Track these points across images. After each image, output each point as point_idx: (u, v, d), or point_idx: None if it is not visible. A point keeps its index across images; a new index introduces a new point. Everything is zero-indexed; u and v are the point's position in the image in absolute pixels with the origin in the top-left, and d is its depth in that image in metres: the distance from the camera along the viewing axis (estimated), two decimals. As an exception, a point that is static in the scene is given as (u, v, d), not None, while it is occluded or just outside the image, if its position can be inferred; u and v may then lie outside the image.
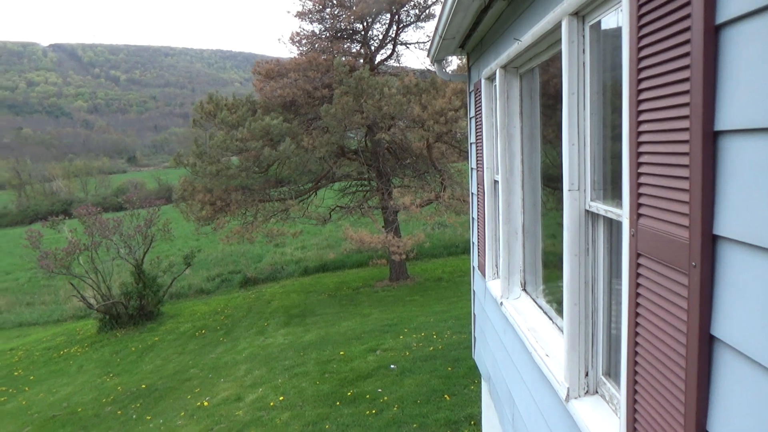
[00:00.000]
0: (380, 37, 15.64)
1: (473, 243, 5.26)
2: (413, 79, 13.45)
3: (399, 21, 15.60)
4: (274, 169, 15.22)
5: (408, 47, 15.80)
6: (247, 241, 14.33)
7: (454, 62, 14.35)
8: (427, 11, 15.50)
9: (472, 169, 5.17)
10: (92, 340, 15.34)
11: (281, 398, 8.02)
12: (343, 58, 14.34)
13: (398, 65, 15.83)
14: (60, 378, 12.60)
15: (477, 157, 4.71)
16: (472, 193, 5.22)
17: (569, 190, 2.27)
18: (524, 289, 3.71)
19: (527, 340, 3.06)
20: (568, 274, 2.33)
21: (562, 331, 2.89)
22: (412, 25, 15.70)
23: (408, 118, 13.19)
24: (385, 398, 7.41)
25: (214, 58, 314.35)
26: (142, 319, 16.20)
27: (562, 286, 3.37)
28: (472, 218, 5.27)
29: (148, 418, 8.71)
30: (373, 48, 15.76)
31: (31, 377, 12.96)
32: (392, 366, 8.54)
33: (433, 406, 6.93)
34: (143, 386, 10.49)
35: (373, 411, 7.08)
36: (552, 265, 3.57)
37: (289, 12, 14.79)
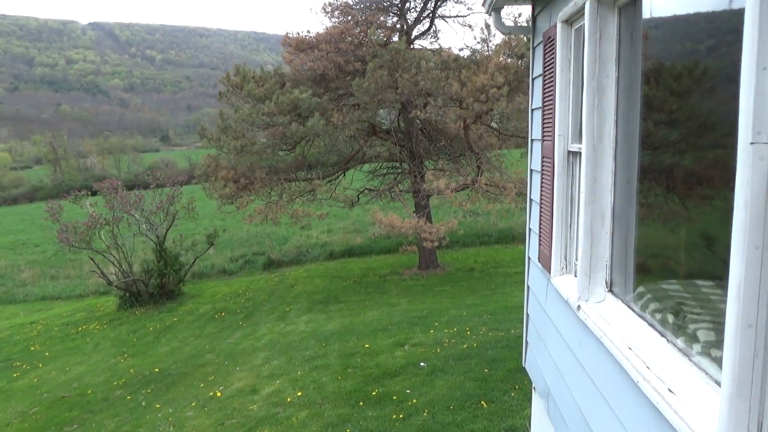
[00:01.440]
0: (418, 9, 14.68)
1: (530, 230, 4.40)
2: (452, 54, 12.50)
3: (439, -7, 14.61)
4: (301, 147, 14.49)
5: (446, 21, 14.81)
6: (271, 221, 13.65)
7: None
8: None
9: (534, 140, 4.30)
10: (111, 317, 14.96)
11: (299, 393, 7.32)
12: (379, 31, 13.45)
13: (436, 41, 14.83)
14: (75, 356, 12.20)
15: (544, 124, 3.84)
16: (533, 171, 4.34)
17: (754, 143, 1.40)
18: (610, 290, 2.85)
19: (628, 363, 2.21)
20: (739, 276, 1.48)
21: (686, 355, 2.04)
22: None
23: (445, 95, 12.27)
24: (414, 401, 6.64)
25: (247, 40, 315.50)
26: (163, 297, 15.75)
27: (675, 292, 2.49)
28: (531, 200, 4.41)
29: (158, 406, 8.12)
30: (410, 21, 14.82)
31: (47, 353, 12.60)
32: (422, 364, 7.76)
33: (468, 414, 6.13)
34: (156, 370, 9.95)
35: (400, 415, 6.32)
36: (654, 261, 2.70)
37: (322, -20, 13.93)
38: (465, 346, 8.28)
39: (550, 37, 3.60)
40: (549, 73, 3.68)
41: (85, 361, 11.67)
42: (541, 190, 3.93)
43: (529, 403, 6.24)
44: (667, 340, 2.19)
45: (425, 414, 6.26)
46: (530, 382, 6.95)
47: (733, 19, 1.80)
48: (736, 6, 1.76)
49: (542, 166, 3.89)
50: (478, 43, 13.62)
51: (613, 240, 2.82)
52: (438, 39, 14.77)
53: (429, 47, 14.70)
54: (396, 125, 15.19)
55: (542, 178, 3.91)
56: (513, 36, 11.60)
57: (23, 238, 30.83)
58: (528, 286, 4.49)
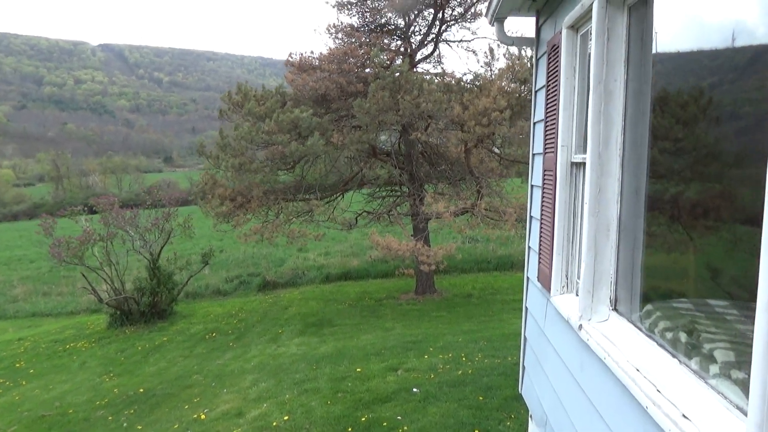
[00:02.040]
0: (422, 32, 14.71)
1: (530, 248, 4.19)
2: (455, 77, 12.47)
3: (443, 19, 14.66)
4: (300, 167, 14.37)
5: (450, 46, 14.83)
6: (267, 241, 13.44)
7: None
8: (473, 9, 14.53)
9: (535, 155, 4.13)
10: (100, 335, 14.63)
11: (286, 418, 7.01)
12: (382, 55, 13.45)
13: (439, 65, 14.84)
14: (60, 374, 11.86)
15: (546, 136, 3.67)
16: (533, 186, 4.16)
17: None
18: (615, 309, 2.64)
19: (636, 387, 2.00)
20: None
21: (701, 378, 1.82)
22: (457, 24, 14.72)
23: (447, 118, 12.18)
24: (405, 428, 6.34)
25: (254, 65, 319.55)
26: (154, 317, 15.44)
27: (687, 310, 2.29)
28: (531, 217, 4.22)
29: (139, 427, 7.80)
30: (414, 45, 14.84)
31: (32, 371, 12.25)
32: (415, 389, 7.46)
33: (461, 444, 5.83)
34: (141, 390, 9.62)
35: (391, 443, 6.03)
36: (664, 277, 2.50)
37: (327, 2, 14.00)
38: (460, 372, 7.99)
39: (554, 45, 3.45)
40: (553, 83, 3.52)
41: (69, 380, 11.33)
42: (542, 206, 3.75)
43: (526, 434, 5.95)
44: (680, 361, 1.98)
45: (416, 443, 5.97)
46: (527, 411, 6.65)
47: (736, 57, 1.77)
48: (738, 44, 1.73)
49: (543, 179, 3.71)
50: (482, 67, 13.62)
51: (619, 254, 2.62)
52: (441, 63, 14.80)
53: (432, 71, 14.70)
54: (397, 148, 15.09)
55: (543, 193, 3.72)
56: (516, 61, 11.57)
57: (19, 254, 30.56)
58: (526, 308, 4.27)
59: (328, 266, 19.62)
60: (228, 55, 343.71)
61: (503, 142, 14.16)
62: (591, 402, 2.59)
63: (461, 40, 14.56)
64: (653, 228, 2.49)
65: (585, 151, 3.11)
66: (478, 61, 14.37)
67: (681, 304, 2.29)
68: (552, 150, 3.48)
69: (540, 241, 3.75)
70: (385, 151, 14.98)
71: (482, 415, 6.49)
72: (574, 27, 3.18)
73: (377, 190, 15.67)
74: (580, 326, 2.69)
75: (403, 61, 12.13)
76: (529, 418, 4.28)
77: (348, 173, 15.27)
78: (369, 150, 13.97)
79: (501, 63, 12.53)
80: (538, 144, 3.99)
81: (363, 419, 6.71)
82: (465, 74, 13.32)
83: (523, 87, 12.22)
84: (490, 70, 12.36)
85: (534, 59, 4.24)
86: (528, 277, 4.25)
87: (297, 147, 12.12)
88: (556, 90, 3.43)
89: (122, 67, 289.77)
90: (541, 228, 3.75)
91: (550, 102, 3.59)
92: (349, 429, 6.52)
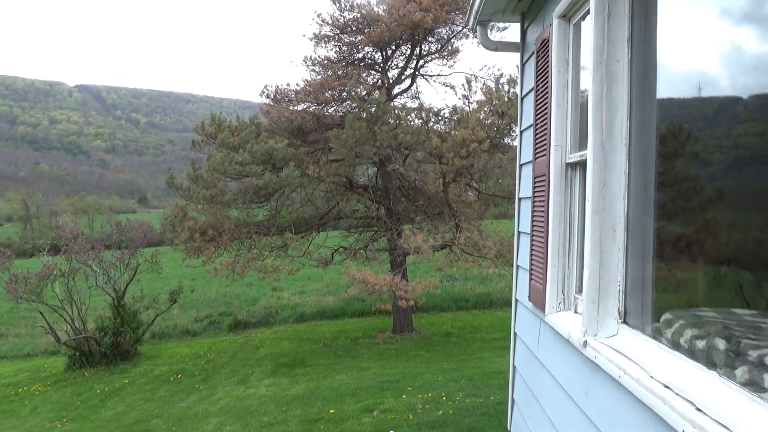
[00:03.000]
0: (400, 66, 14.68)
1: (518, 267, 3.84)
2: (433, 108, 12.35)
3: (420, 54, 14.67)
4: (275, 201, 13.95)
5: (428, 80, 14.81)
6: (237, 276, 12.84)
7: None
8: (450, 47, 14.60)
9: (522, 165, 3.83)
10: (57, 378, 13.69)
11: (251, 464, 6.39)
12: (359, 87, 13.30)
13: (417, 99, 14.77)
14: (8, 420, 10.94)
15: (536, 140, 3.37)
16: (521, 199, 3.84)
17: None
18: (625, 322, 2.27)
19: (666, 408, 1.62)
20: None
21: (754, 392, 1.45)
22: (434, 59, 14.75)
23: (425, 149, 11.97)
24: (382, 474, 5.78)
25: (233, 107, 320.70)
26: (116, 358, 14.55)
27: (714, 318, 1.96)
28: (519, 233, 3.88)
29: (88, 477, 7.06)
30: (391, 80, 14.78)
31: (-23, 417, 11.29)
32: (392, 432, 6.92)
33: (443, 491, 5.31)
34: (94, 436, 8.85)
35: (366, 491, 5.46)
36: (681, 283, 2.15)
37: (304, 35, 13.90)
38: (440, 412, 7.47)
39: (544, 40, 3.19)
40: (542, 82, 3.25)
41: (18, 425, 10.44)
42: (533, 218, 3.41)
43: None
44: (719, 373, 1.60)
45: (394, 490, 5.41)
46: (514, 455, 6.16)
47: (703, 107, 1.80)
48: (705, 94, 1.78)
49: (534, 188, 3.39)
50: (459, 99, 13.55)
51: (627, 258, 2.27)
52: (419, 98, 14.70)
53: (410, 104, 14.62)
54: (374, 182, 14.81)
55: (534, 203, 3.39)
56: (494, 93, 11.49)
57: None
58: (515, 334, 3.88)
59: (302, 305, 18.97)
60: (207, 97, 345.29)
61: (481, 176, 14.00)
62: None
63: (439, 74, 14.50)
64: (664, 227, 2.16)
65: (581, 149, 2.81)
66: (456, 94, 14.33)
67: (704, 313, 1.95)
68: (543, 153, 3.17)
69: (531, 256, 3.40)
70: (362, 185, 14.69)
71: (465, 458, 5.98)
72: (566, 16, 2.92)
73: (354, 223, 15.31)
74: (585, 343, 2.31)
75: (380, 93, 11.97)
76: (520, 459, 3.83)
77: (324, 208, 14.89)
78: (346, 183, 13.66)
79: (479, 96, 12.45)
80: (526, 152, 3.69)
81: (335, 465, 6.14)
82: (443, 109, 13.21)
83: (501, 120, 12.12)
84: (468, 102, 12.29)
85: (519, 64, 3.99)
86: (517, 299, 3.88)
87: (271, 178, 11.75)
88: (546, 88, 3.16)
89: (99, 108, 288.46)
90: (532, 242, 3.40)
91: (540, 103, 3.31)
92: (320, 476, 5.93)
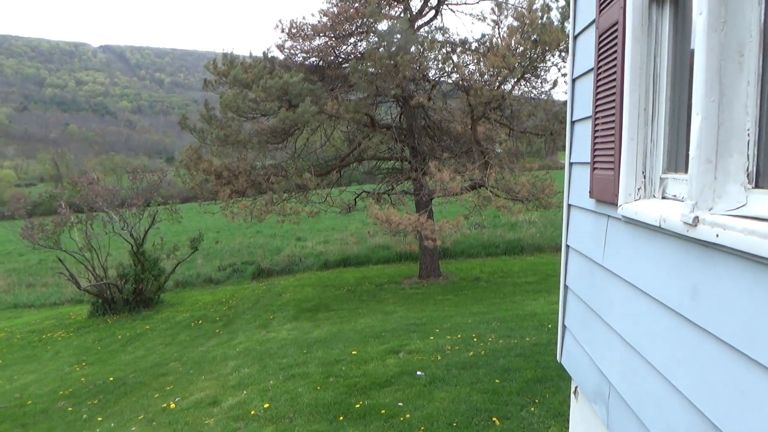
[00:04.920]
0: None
1: (573, 164, 3.11)
2: (459, 38, 11.39)
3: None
4: (293, 142, 13.28)
5: (453, 11, 13.67)
6: (255, 220, 12.32)
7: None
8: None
9: (580, 33, 3.03)
10: (80, 325, 13.60)
11: (266, 405, 5.94)
12: (382, 21, 12.31)
13: (441, 32, 13.69)
14: (30, 364, 10.84)
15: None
16: (575, 79, 3.07)
17: None
18: (757, 185, 1.53)
19: None
20: None
21: None
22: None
23: (451, 81, 11.07)
24: (408, 416, 5.26)
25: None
26: (139, 305, 14.39)
27: None
28: (573, 123, 3.13)
29: (100, 419, 6.74)
30: (414, 11, 13.71)
31: (0, 361, 11.22)
32: (419, 373, 6.38)
33: (476, 434, 4.75)
34: (111, 379, 8.57)
35: (389, 434, 4.95)
36: None
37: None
38: (471, 353, 6.90)
39: None
40: None
41: (38, 370, 10.30)
42: (596, 91, 2.64)
43: (567, 413, 4.86)
44: None
45: (421, 432, 4.89)
46: (554, 394, 5.56)
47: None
48: None
49: (598, 52, 2.61)
50: (488, 24, 12.48)
51: (762, 95, 1.52)
52: (444, 31, 13.59)
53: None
54: (398, 122, 13.99)
55: (598, 72, 2.62)
56: (527, 15, 10.43)
57: (9, 248, 29.56)
58: (567, 247, 3.18)
59: (326, 253, 18.53)
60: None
61: (513, 112, 13.05)
62: (722, 345, 1.49)
63: (465, 3, 13.31)
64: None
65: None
66: (485, 22, 13.13)
67: None
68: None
69: (593, 142, 2.65)
70: (385, 125, 13.88)
71: (500, 400, 5.41)
72: None
73: (377, 165, 14.59)
74: (695, 221, 1.59)
75: (402, 20, 11.01)
76: (572, 395, 3.20)
77: (345, 150, 14.18)
78: (367, 121, 12.87)
79: (510, 21, 11.38)
80: (586, 9, 2.90)
81: (357, 406, 5.63)
82: (470, 41, 12.17)
83: (534, 49, 11.07)
84: (498, 29, 11.25)
85: None
86: (570, 204, 3.17)
87: (287, 115, 11.04)
88: None
89: (123, 68, 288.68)
90: (595, 125, 2.65)
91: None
92: (341, 417, 5.44)
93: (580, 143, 3.00)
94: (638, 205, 2.13)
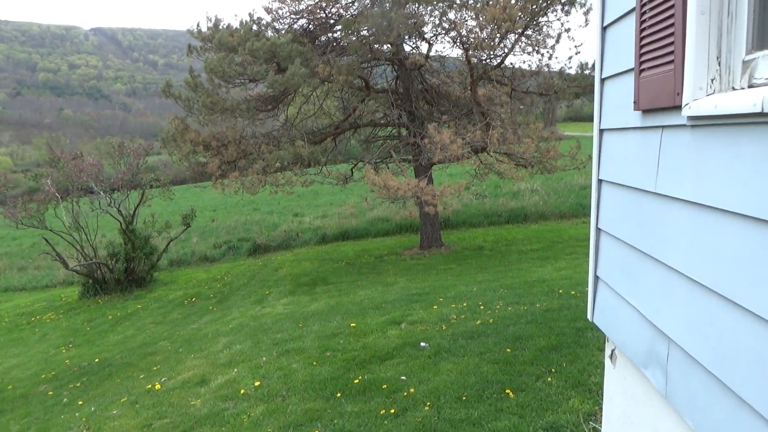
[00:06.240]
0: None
1: (604, 80, 2.54)
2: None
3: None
4: (284, 111, 12.65)
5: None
6: (247, 193, 11.74)
7: None
8: None
9: None
10: (71, 306, 13.14)
11: (257, 383, 5.45)
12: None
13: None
14: (16, 347, 10.39)
15: None
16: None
17: None
18: None
19: None
20: None
21: None
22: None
23: (449, 36, 10.39)
24: (411, 390, 4.77)
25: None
26: (132, 284, 13.92)
27: None
28: (604, 28, 2.55)
29: (80, 402, 6.28)
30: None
31: (-15, 346, 10.77)
32: (423, 344, 5.88)
33: (488, 407, 4.26)
34: (96, 360, 8.11)
35: (391, 410, 4.46)
36: None
37: None
38: (478, 321, 6.40)
39: None
40: None
41: (24, 353, 9.85)
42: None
43: (589, 382, 4.36)
44: None
45: (426, 408, 4.39)
46: (572, 362, 5.04)
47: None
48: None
49: None
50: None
51: None
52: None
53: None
54: (394, 86, 13.32)
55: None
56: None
57: (3, 233, 29.06)
58: (599, 181, 2.62)
59: (324, 227, 18.00)
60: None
61: (514, 72, 12.39)
62: None
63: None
64: None
65: None
66: None
67: None
68: None
69: (639, 34, 2.07)
70: (380, 89, 13.22)
71: (512, 370, 4.91)
72: None
73: (373, 132, 13.97)
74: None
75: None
76: (607, 360, 2.67)
77: (339, 117, 13.54)
78: (361, 84, 12.21)
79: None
80: None
81: (356, 381, 5.14)
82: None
83: (535, 4, 10.34)
84: (499, -22, 10.49)
85: None
86: (602, 129, 2.60)
87: (275, 78, 10.38)
88: None
89: (116, 51, 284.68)
90: (641, 12, 2.06)
91: None
92: (339, 394, 4.96)
93: (616, 48, 2.42)
94: (715, 99, 1.56)
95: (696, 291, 1.67)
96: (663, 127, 1.93)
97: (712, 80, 1.67)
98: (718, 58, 1.66)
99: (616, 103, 2.42)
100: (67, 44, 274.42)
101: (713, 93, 1.64)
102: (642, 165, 2.10)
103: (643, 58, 2.03)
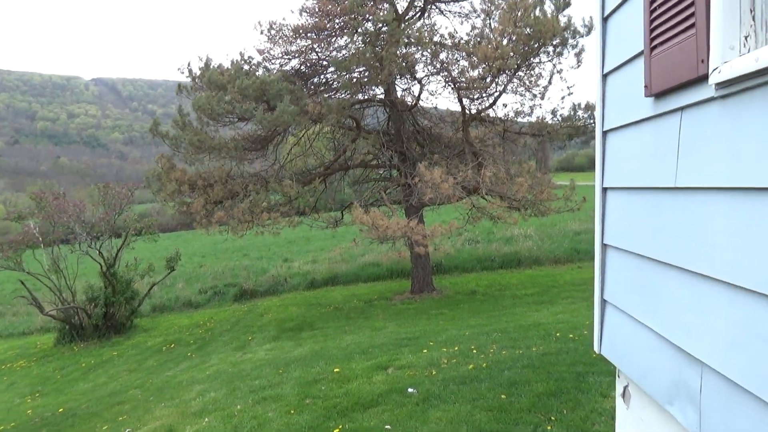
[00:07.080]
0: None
1: (608, 72, 2.25)
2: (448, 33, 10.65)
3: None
4: (273, 150, 12.44)
5: (443, 12, 12.98)
6: (232, 234, 11.35)
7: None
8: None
9: None
10: (45, 353, 12.49)
11: (227, 434, 4.93)
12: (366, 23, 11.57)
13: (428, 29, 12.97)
14: (-20, 397, 9.71)
15: None
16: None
17: None
18: None
19: None
20: None
21: None
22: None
23: (440, 76, 10.30)
24: (396, 441, 4.28)
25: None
26: (110, 331, 13.30)
27: None
28: (605, 19, 2.28)
29: (34, 456, 5.70)
30: (400, 11, 13.03)
31: (-52, 395, 10.08)
32: (411, 389, 5.40)
33: (481, 461, 3.78)
34: (60, 410, 7.51)
35: (373, 464, 3.96)
36: None
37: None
38: (471, 366, 5.93)
39: None
40: None
41: (-13, 403, 9.18)
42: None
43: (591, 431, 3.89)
44: None
45: (412, 462, 3.90)
46: (573, 409, 4.58)
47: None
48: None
49: None
50: (478, 16, 11.79)
51: None
52: (432, 29, 12.87)
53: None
54: (385, 127, 13.19)
55: None
56: (520, 2, 9.71)
57: (-16, 279, 28.33)
58: (604, 189, 2.29)
59: (313, 272, 17.52)
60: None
61: (507, 113, 12.29)
62: None
63: (454, 0, 12.62)
64: None
65: None
66: (475, 13, 12.15)
67: None
68: None
69: (650, 7, 1.78)
70: (372, 130, 13.06)
71: (508, 418, 4.44)
72: None
73: (363, 174, 13.74)
74: None
75: (387, 11, 10.26)
76: (620, 398, 2.26)
77: (329, 158, 13.34)
78: (352, 124, 12.05)
79: (503, 6, 10.62)
80: None
81: (336, 431, 4.64)
82: (459, 36, 11.42)
83: (527, 44, 10.32)
84: (489, 19, 10.50)
85: None
86: (604, 131, 2.28)
87: (264, 116, 10.20)
88: None
89: (115, 101, 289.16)
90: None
91: None
92: (315, 446, 4.45)
93: (618, 36, 2.14)
94: (756, 53, 1.25)
95: (740, 299, 1.31)
96: (682, 108, 1.61)
97: (746, 37, 1.36)
98: (752, 11, 1.36)
99: (621, 97, 2.12)
100: (68, 94, 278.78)
101: (748, 52, 1.33)
102: (657, 159, 1.78)
103: (655, 33, 1.74)
